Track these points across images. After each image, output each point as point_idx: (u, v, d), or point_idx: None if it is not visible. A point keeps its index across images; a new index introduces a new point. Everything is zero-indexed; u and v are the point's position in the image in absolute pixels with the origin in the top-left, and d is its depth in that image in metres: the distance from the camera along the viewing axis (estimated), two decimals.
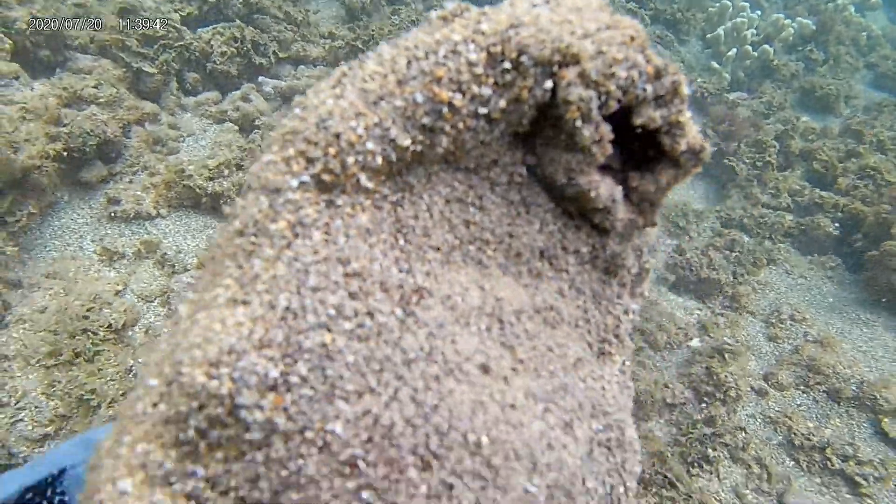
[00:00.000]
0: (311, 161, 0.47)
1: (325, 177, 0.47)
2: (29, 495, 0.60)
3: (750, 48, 5.85)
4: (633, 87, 0.49)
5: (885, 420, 3.11)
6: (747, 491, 2.95)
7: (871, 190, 4.20)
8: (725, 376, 3.21)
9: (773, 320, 3.62)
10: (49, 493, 0.62)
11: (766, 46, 5.87)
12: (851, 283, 3.86)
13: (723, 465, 3.01)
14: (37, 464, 0.64)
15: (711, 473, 2.98)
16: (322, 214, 0.47)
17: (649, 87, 0.49)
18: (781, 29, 6.05)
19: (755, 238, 4.17)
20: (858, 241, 3.88)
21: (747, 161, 4.60)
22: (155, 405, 0.44)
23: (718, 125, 4.90)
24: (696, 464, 2.99)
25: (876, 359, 3.41)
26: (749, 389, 3.31)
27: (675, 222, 4.24)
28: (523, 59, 0.47)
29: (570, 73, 0.48)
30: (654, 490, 2.77)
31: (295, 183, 0.47)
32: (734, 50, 5.89)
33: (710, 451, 3.01)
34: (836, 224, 4.13)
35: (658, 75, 0.49)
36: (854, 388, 3.22)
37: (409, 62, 0.48)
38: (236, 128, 4.08)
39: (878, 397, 3.16)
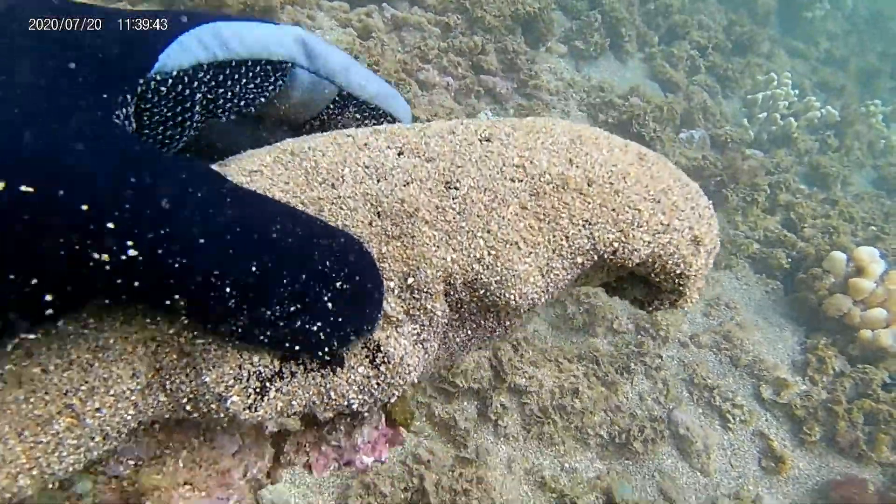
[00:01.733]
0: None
1: None
2: (267, 66, 0.61)
3: (778, 116, 6.87)
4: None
5: (763, 385, 4.13)
6: (649, 399, 3.99)
7: (825, 241, 5.22)
8: (662, 321, 4.25)
9: (713, 303, 4.66)
10: (279, 74, 0.63)
11: (792, 120, 6.89)
12: (782, 301, 4.88)
13: (637, 376, 4.05)
14: (274, 34, 0.62)
15: (627, 379, 4.02)
16: None
17: None
18: (809, 110, 7.07)
19: (723, 249, 5.20)
20: (800, 272, 4.90)
21: (740, 196, 5.62)
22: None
23: (728, 166, 5.93)
24: (618, 370, 4.03)
25: (775, 349, 4.43)
26: (676, 339, 4.34)
27: None
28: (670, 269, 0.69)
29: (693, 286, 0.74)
30: (584, 362, 3.83)
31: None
32: (765, 114, 6.91)
33: (631, 364, 4.05)
34: (790, 259, 5.15)
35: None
36: (750, 359, 4.25)
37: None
38: (356, 34, 5.15)
39: (765, 371, 4.19)
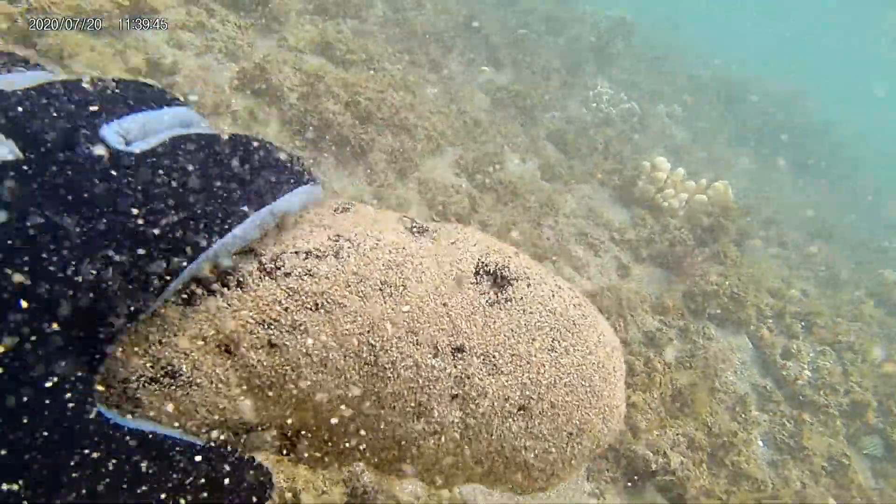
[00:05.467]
0: None
1: None
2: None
3: (603, 107, 10.27)
4: None
5: (615, 232, 6.99)
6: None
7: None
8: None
9: (593, 212, 7.51)
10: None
11: (612, 110, 10.33)
12: (621, 196, 7.91)
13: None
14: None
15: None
16: None
17: None
18: (620, 103, 10.61)
19: (587, 181, 8.16)
20: (628, 183, 7.96)
21: (586, 149, 8.69)
22: None
23: (579, 133, 9.03)
24: None
25: (619, 217, 7.37)
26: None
27: None
28: None
29: None
30: None
31: None
32: (595, 105, 10.29)
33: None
34: (621, 178, 8.22)
35: None
36: (606, 221, 7.11)
37: None
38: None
39: (615, 224, 7.07)
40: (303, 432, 0.66)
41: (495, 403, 0.67)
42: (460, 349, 0.65)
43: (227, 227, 0.54)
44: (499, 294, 0.69)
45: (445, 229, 0.75)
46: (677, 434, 4.64)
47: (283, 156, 0.63)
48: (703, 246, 7.12)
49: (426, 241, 0.71)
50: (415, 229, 0.73)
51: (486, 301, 0.69)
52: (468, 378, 0.65)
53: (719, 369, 5.95)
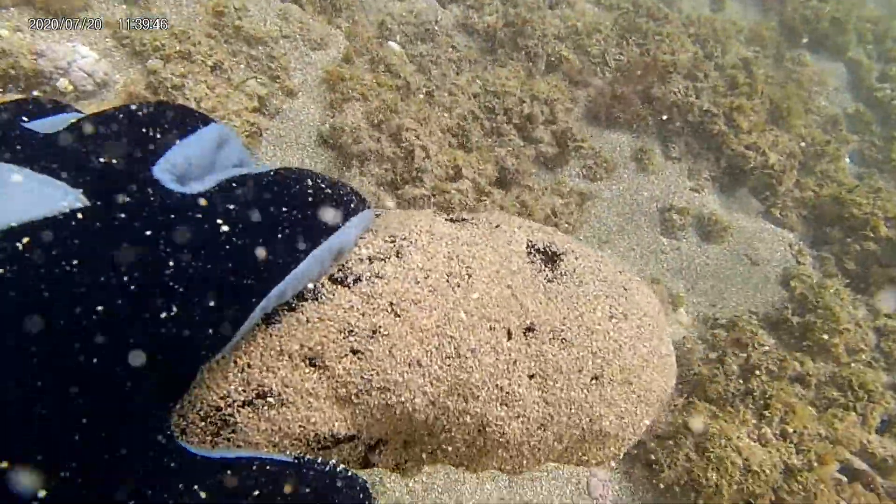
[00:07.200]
0: None
1: None
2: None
3: None
4: None
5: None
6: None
7: None
8: None
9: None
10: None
11: None
12: None
13: None
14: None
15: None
16: None
17: None
18: None
19: None
20: None
21: None
22: None
23: None
24: None
25: None
26: None
27: None
28: None
29: None
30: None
31: None
32: None
33: None
34: None
35: None
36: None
37: None
38: None
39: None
40: (388, 437, 0.66)
41: (571, 377, 0.69)
42: (531, 328, 0.67)
43: (289, 267, 0.56)
44: (554, 270, 0.73)
45: (481, 217, 0.79)
46: (776, 136, 4.94)
47: (331, 185, 0.65)
48: None
49: (472, 228, 0.74)
50: (454, 219, 0.76)
51: (545, 278, 0.72)
52: (542, 355, 0.67)
53: (813, 92, 6.03)
